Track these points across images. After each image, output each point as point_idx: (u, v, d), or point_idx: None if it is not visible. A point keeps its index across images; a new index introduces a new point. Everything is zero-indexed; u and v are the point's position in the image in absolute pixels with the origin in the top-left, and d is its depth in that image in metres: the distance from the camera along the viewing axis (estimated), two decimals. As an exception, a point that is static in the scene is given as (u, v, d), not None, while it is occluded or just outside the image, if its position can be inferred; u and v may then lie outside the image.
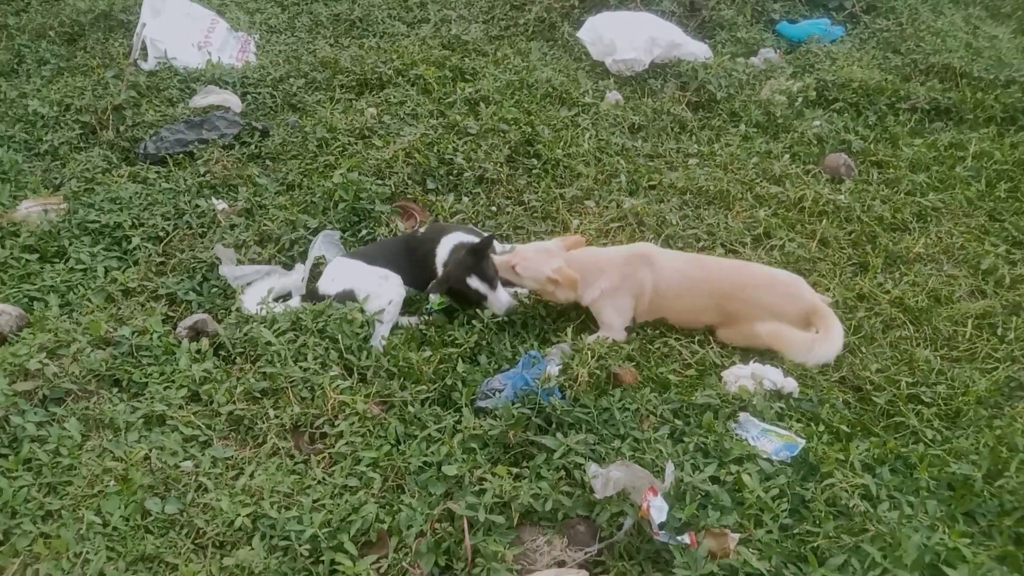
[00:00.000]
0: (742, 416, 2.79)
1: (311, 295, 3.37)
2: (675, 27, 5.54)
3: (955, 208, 4.05)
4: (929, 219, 3.99)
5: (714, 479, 2.54)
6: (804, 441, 2.68)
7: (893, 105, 4.89)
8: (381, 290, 3.29)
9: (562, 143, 4.47)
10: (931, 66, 5.28)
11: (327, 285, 3.33)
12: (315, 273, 3.48)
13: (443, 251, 3.39)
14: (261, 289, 3.41)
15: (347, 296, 3.25)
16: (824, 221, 3.89)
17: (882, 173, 4.34)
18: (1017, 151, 4.40)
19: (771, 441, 2.69)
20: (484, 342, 3.14)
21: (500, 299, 3.29)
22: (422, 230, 3.62)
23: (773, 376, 2.97)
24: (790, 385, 2.97)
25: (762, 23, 6.01)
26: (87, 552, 2.33)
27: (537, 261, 3.24)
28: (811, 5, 6.23)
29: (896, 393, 2.99)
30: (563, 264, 3.22)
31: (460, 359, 3.04)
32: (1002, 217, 3.99)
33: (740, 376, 2.95)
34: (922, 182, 4.21)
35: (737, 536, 2.37)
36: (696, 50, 5.41)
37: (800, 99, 4.91)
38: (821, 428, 2.79)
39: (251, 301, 3.35)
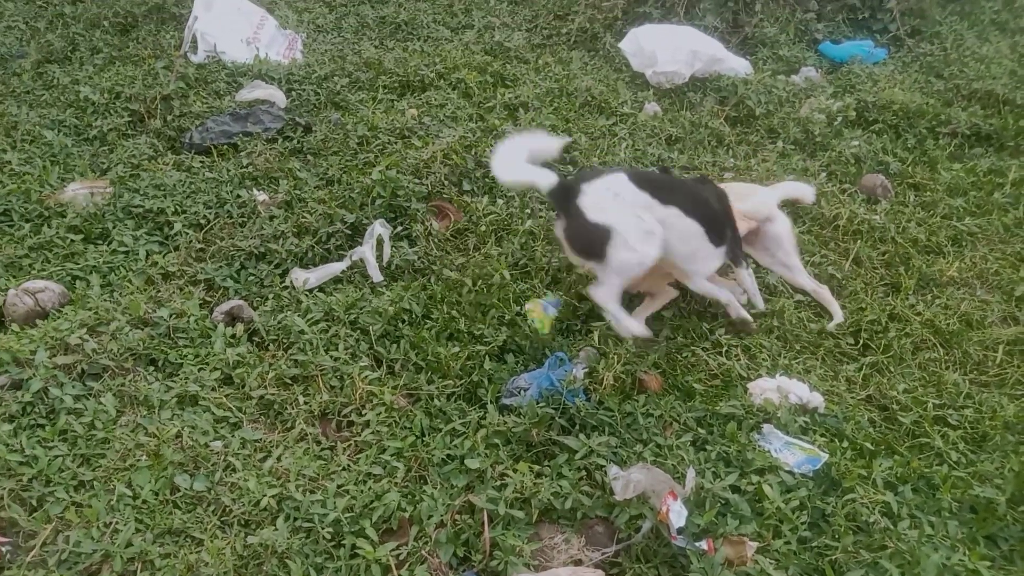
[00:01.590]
0: (766, 428, 2.79)
1: (564, 191, 2.99)
2: (717, 42, 5.55)
3: (991, 234, 4.01)
4: (964, 243, 3.96)
5: (735, 488, 2.55)
6: (827, 455, 2.67)
7: (933, 129, 4.86)
8: (634, 245, 2.95)
9: (599, 151, 4.50)
10: (974, 92, 5.24)
11: (590, 204, 2.96)
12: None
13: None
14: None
15: (600, 232, 2.94)
16: (859, 241, 3.87)
17: (919, 196, 4.32)
18: (1057, 180, 4.36)
19: (794, 454, 2.69)
20: (512, 340, 3.17)
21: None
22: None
23: (799, 391, 2.97)
24: (816, 400, 2.97)
25: (804, 42, 6.01)
26: (117, 522, 2.40)
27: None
28: (855, 27, 6.21)
29: (923, 414, 2.98)
30: None
31: (487, 356, 3.08)
32: (1039, 245, 3.95)
33: (766, 389, 2.95)
34: (959, 206, 4.18)
35: (755, 545, 2.38)
36: (737, 65, 5.42)
37: (839, 118, 4.90)
38: (845, 444, 2.78)
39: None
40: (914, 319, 3.45)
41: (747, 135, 4.86)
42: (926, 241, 3.93)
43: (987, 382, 3.20)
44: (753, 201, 3.46)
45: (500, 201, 4.09)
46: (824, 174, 4.46)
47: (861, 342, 3.36)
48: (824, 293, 3.48)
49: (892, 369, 3.22)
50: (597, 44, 5.92)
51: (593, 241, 2.99)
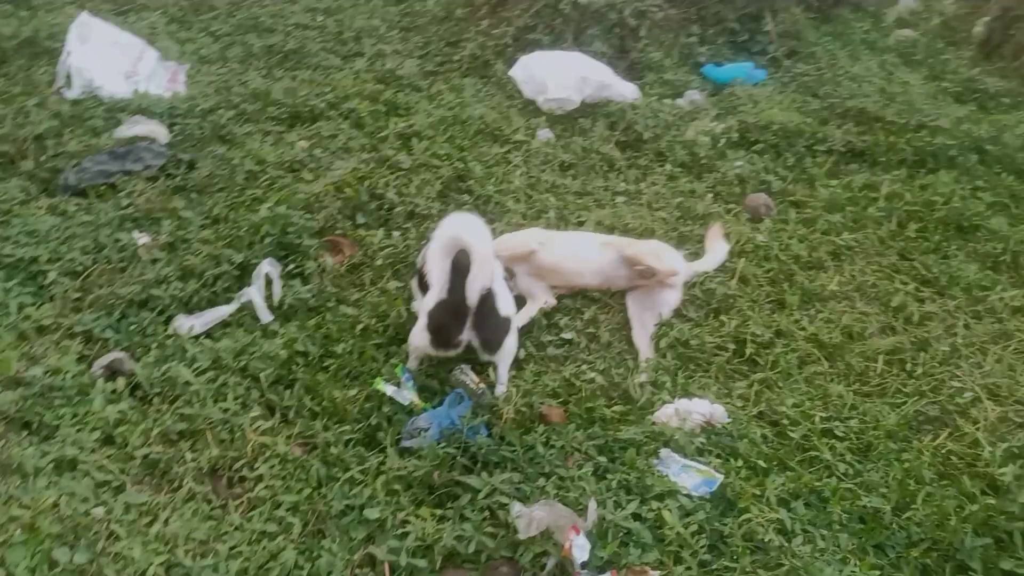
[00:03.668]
0: (663, 452, 2.84)
1: None
2: (606, 68, 5.66)
3: (868, 247, 4.22)
4: (843, 258, 4.14)
5: (636, 516, 2.59)
6: (722, 476, 2.74)
7: (811, 147, 5.08)
8: None
9: (494, 179, 4.52)
10: (848, 110, 5.50)
11: None
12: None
13: None
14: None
15: None
16: (743, 259, 4.00)
17: (800, 212, 4.50)
18: (926, 192, 4.61)
19: (691, 477, 2.75)
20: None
21: None
22: None
23: (700, 408, 3.03)
24: (718, 412, 3.05)
25: (689, 65, 6.20)
26: (-12, 606, 2.23)
27: None
28: (735, 49, 6.45)
29: (811, 427, 3.09)
30: None
31: (386, 399, 3.02)
32: (912, 256, 4.16)
33: (670, 416, 3.01)
34: (837, 222, 4.37)
35: (657, 574, 2.41)
36: (625, 91, 5.54)
37: (723, 140, 5.07)
38: (739, 463, 2.86)
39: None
40: (799, 334, 3.58)
41: (637, 159, 4.97)
42: (808, 257, 4.09)
43: (870, 392, 3.35)
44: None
45: (396, 234, 4.05)
46: (711, 195, 4.60)
47: (748, 356, 3.46)
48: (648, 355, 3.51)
49: (781, 384, 3.33)
50: (489, 71, 5.95)
51: None
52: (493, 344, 3.07)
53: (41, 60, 5.62)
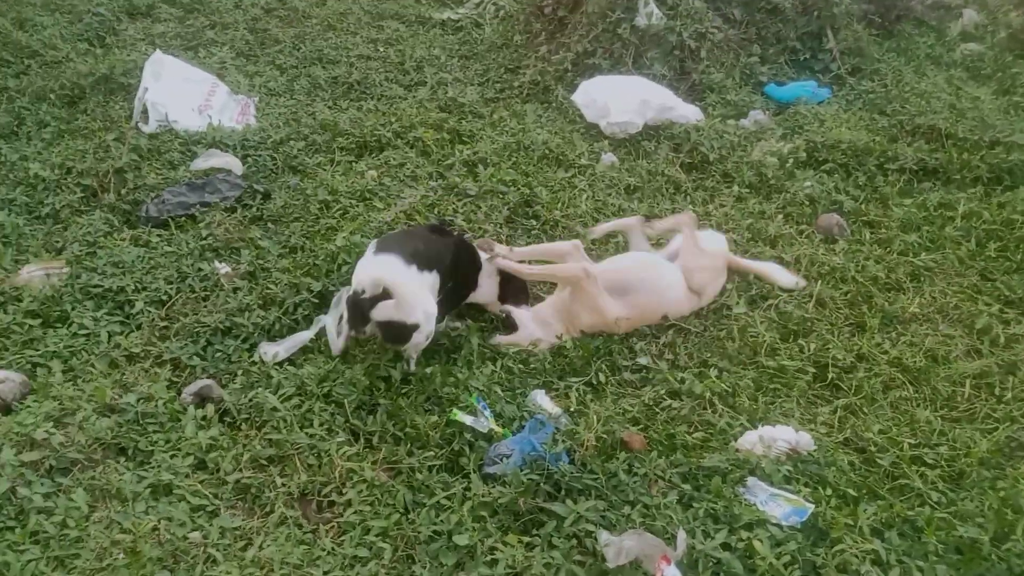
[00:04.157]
0: (750, 480, 2.81)
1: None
2: (666, 90, 5.68)
3: (947, 268, 4.13)
4: (923, 279, 4.06)
5: (725, 546, 2.55)
6: (813, 506, 2.69)
7: (882, 165, 5.01)
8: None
9: (560, 204, 4.54)
10: (917, 127, 5.42)
11: None
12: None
13: None
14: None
15: None
16: (820, 282, 3.95)
17: (874, 233, 4.44)
18: (1004, 211, 4.51)
19: (780, 506, 2.70)
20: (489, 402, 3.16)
21: None
22: None
23: (785, 435, 2.99)
24: (804, 440, 3.00)
25: (750, 85, 6.17)
26: (95, 629, 2.30)
27: None
28: (798, 68, 6.41)
29: (899, 454, 3.02)
30: None
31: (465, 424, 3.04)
32: (993, 276, 4.07)
33: (753, 443, 2.97)
34: (914, 242, 4.30)
35: (751, 605, 2.37)
36: (688, 112, 5.55)
37: (791, 160, 5.03)
38: (828, 492, 2.80)
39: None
40: (881, 358, 3.51)
41: (703, 181, 4.96)
42: (885, 278, 4.03)
43: (958, 417, 3.27)
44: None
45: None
46: (781, 216, 4.56)
47: (830, 380, 3.41)
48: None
49: (865, 410, 3.27)
50: (549, 96, 6.01)
51: None
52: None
53: (117, 96, 5.83)
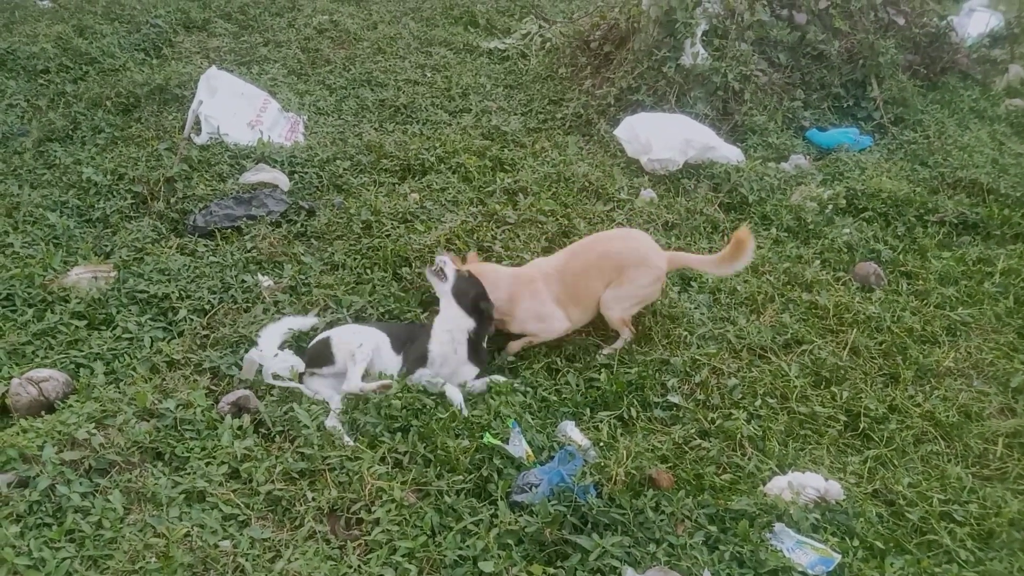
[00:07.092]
0: (777, 526, 2.80)
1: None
2: (708, 130, 5.72)
3: (984, 324, 4.10)
4: (959, 333, 4.04)
5: (750, 591, 2.54)
6: (840, 556, 2.68)
7: (922, 217, 5.00)
8: None
9: (597, 237, 4.58)
10: (958, 180, 5.41)
11: None
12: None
13: None
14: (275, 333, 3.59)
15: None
16: (854, 330, 3.94)
17: (911, 284, 4.42)
18: (1045, 271, 4.48)
19: (806, 554, 2.69)
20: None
21: None
22: None
23: (814, 483, 2.98)
24: (834, 489, 2.99)
25: (792, 129, 6.20)
26: (125, 629, 2.34)
27: None
28: (840, 114, 6.44)
29: (928, 509, 2.99)
30: None
31: (496, 452, 3.07)
32: (1031, 335, 4.04)
33: (783, 488, 2.96)
34: (951, 295, 4.28)
35: (773, 652, 2.36)
36: (729, 153, 5.58)
37: (830, 206, 5.03)
38: (856, 543, 2.79)
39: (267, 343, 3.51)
40: (914, 410, 3.49)
41: (741, 221, 4.97)
42: (921, 330, 4.01)
43: (989, 476, 3.23)
44: None
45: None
46: (818, 262, 4.56)
47: (862, 430, 3.40)
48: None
49: (896, 462, 3.25)
50: (591, 130, 6.08)
51: None
52: None
53: (171, 107, 6.01)
